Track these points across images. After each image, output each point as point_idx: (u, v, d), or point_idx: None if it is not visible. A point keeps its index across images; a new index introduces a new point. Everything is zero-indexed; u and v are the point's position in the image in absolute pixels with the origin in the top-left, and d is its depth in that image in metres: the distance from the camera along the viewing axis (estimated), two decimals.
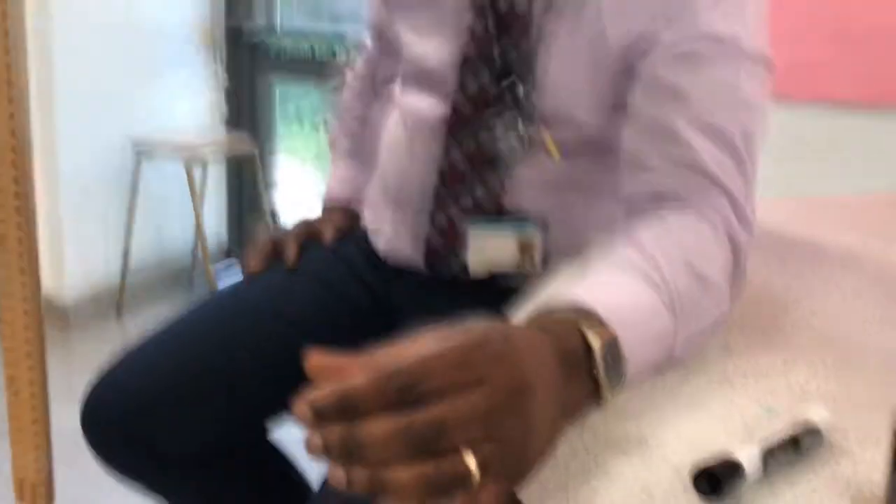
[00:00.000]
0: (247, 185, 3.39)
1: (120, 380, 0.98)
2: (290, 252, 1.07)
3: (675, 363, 0.65)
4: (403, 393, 0.41)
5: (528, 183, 0.94)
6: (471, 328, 0.45)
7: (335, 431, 0.40)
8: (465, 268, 0.96)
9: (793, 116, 2.19)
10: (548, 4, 0.88)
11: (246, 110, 3.36)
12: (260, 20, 3.26)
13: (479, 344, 0.44)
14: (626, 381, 0.57)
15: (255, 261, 1.08)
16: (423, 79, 1.00)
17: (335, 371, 0.44)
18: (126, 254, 2.92)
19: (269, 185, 3.28)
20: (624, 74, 0.86)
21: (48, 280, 2.81)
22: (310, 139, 3.79)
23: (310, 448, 0.41)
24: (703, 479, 0.47)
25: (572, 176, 0.94)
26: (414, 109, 1.00)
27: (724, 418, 0.49)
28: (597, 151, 0.92)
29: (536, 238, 0.95)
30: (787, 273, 0.91)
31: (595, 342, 0.54)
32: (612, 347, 0.55)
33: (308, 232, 1.11)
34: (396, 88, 1.07)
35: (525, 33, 0.90)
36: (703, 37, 0.80)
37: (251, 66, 3.33)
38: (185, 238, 3.28)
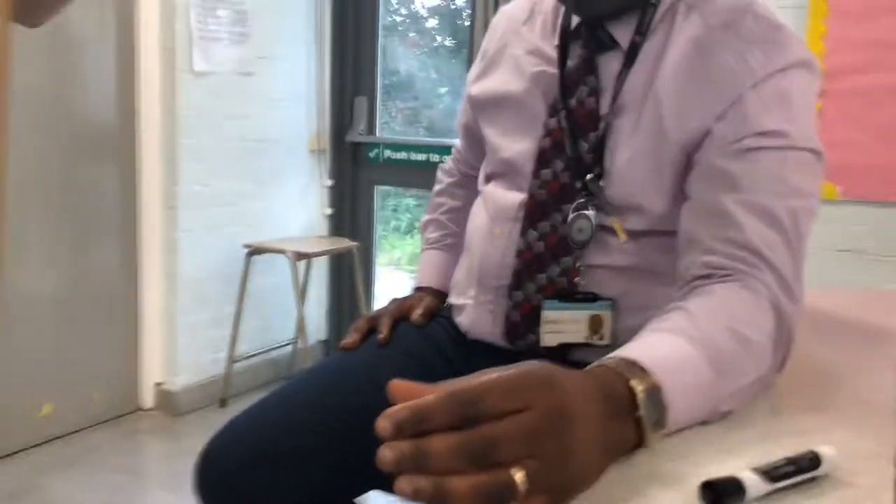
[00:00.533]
0: (346, 282, 3.57)
1: (228, 442, 1.09)
2: (384, 328, 1.17)
3: (719, 416, 0.71)
4: (464, 410, 0.50)
5: (598, 265, 1.02)
6: (525, 364, 0.55)
7: (406, 446, 0.49)
8: (538, 340, 1.04)
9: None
10: (613, 103, 0.99)
11: (348, 212, 3.57)
12: (362, 130, 3.51)
13: (528, 374, 0.53)
14: (669, 427, 0.64)
15: (352, 337, 1.20)
16: (504, 170, 1.12)
17: (413, 393, 0.53)
18: (233, 346, 3.10)
19: (367, 282, 3.45)
20: (683, 165, 0.95)
21: (161, 370, 3.02)
22: (406, 241, 3.98)
23: (383, 461, 0.49)
24: (707, 493, 0.54)
25: (638, 260, 1.01)
26: (496, 197, 1.11)
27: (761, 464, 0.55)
28: (661, 237, 1.00)
29: (606, 315, 1.03)
30: (842, 351, 0.96)
31: (638, 387, 0.61)
32: (655, 393, 0.62)
33: (400, 310, 1.22)
34: (481, 180, 1.19)
35: (594, 128, 1.01)
36: (753, 133, 0.88)
37: (354, 171, 3.56)
38: (287, 331, 3.46)
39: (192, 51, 2.89)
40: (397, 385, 0.54)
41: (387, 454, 0.49)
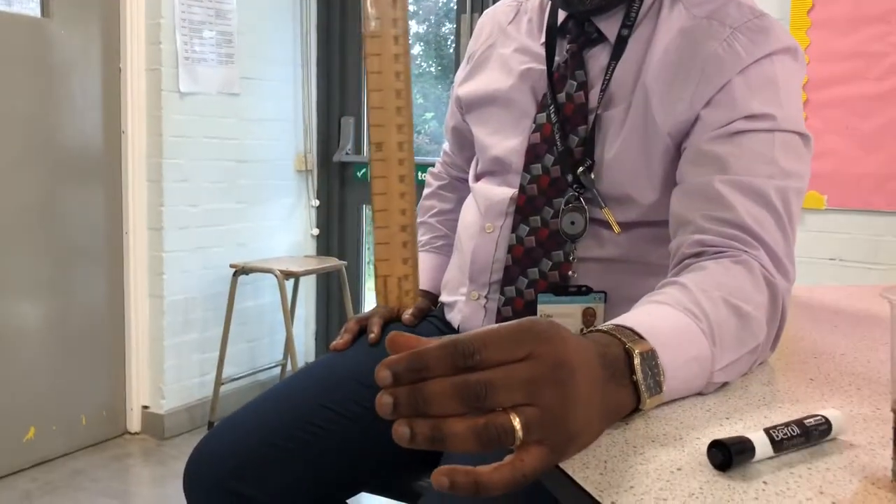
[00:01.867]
0: (335, 302, 3.56)
1: (216, 444, 1.08)
2: (375, 329, 1.17)
3: (714, 388, 0.71)
4: (462, 358, 0.49)
5: (590, 258, 1.02)
6: (525, 318, 0.54)
7: (403, 390, 0.49)
8: None
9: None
10: (602, 96, 1.00)
11: (335, 232, 3.57)
12: (349, 149, 3.52)
13: (529, 326, 0.52)
14: (664, 396, 0.64)
15: (343, 338, 1.19)
16: (495, 168, 1.12)
17: (412, 345, 0.52)
18: (220, 368, 3.07)
19: (356, 303, 3.43)
20: (673, 154, 0.96)
21: (148, 393, 2.98)
22: None
23: (380, 407, 0.49)
24: (716, 452, 0.53)
25: (630, 251, 1.01)
26: (486, 193, 1.11)
27: (758, 429, 0.55)
28: (652, 228, 1.00)
29: (599, 308, 1.03)
30: (836, 334, 0.96)
31: (634, 350, 0.61)
32: (651, 358, 0.62)
33: (390, 311, 1.21)
34: (471, 179, 1.19)
35: (583, 122, 1.02)
36: (741, 116, 0.89)
37: (341, 191, 3.57)
38: (274, 353, 3.43)
39: (179, 71, 2.90)
40: (396, 337, 0.53)
41: (384, 399, 0.48)
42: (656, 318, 0.69)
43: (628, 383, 0.60)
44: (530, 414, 0.49)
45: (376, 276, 0.53)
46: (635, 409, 0.62)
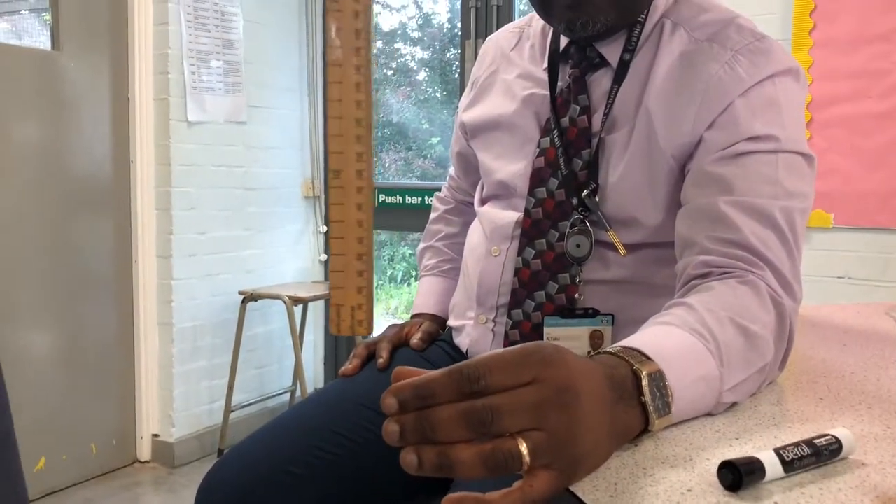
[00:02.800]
0: None
1: (227, 471, 1.08)
2: (383, 354, 1.17)
3: (723, 408, 0.71)
4: (468, 384, 0.49)
5: (596, 280, 1.03)
6: (530, 342, 0.54)
7: (410, 417, 0.49)
8: None
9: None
10: (605, 119, 1.01)
11: None
12: None
13: (534, 350, 0.52)
14: (673, 416, 0.64)
15: (352, 363, 1.19)
16: (500, 192, 1.13)
17: (416, 374, 0.53)
18: (229, 395, 3.07)
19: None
20: (677, 176, 0.97)
21: (157, 421, 2.98)
22: (402, 290, 3.98)
23: (387, 435, 0.49)
24: (726, 473, 0.53)
25: (636, 273, 1.02)
26: (492, 216, 1.12)
27: (769, 449, 0.54)
28: (657, 249, 1.00)
29: (606, 330, 1.03)
30: (846, 353, 0.96)
31: (642, 371, 0.61)
32: (659, 379, 0.62)
33: (398, 336, 1.21)
34: (477, 202, 1.20)
35: (587, 146, 1.03)
36: (743, 138, 0.90)
37: None
38: (283, 379, 3.43)
39: (187, 101, 2.93)
40: (402, 371, 0.54)
41: (391, 427, 0.49)
42: (663, 338, 0.69)
43: (636, 405, 0.60)
44: (537, 438, 0.49)
45: (331, 305, 0.54)
46: (644, 431, 0.62)
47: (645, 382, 0.60)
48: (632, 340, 0.67)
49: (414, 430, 0.48)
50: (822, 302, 2.29)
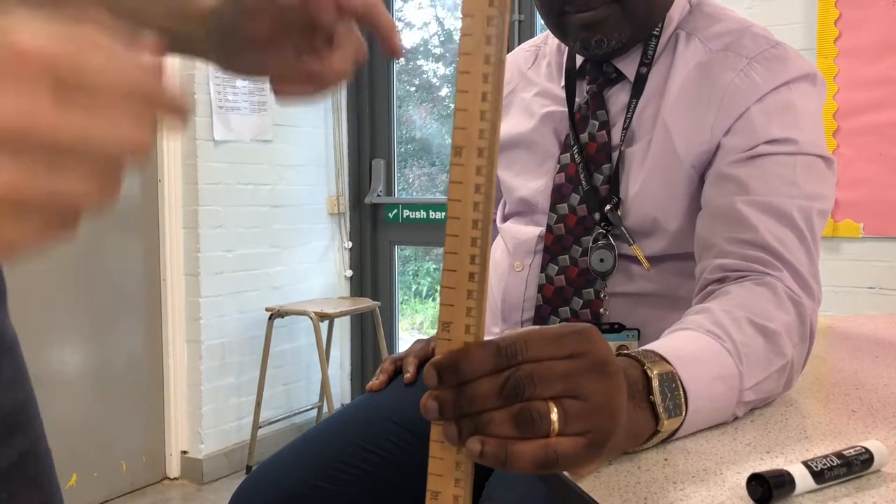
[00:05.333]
0: (369, 343, 3.57)
1: (256, 488, 1.09)
2: (410, 369, 1.17)
3: (744, 409, 0.70)
4: (506, 359, 0.50)
5: (621, 293, 1.03)
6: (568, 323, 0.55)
7: (448, 393, 0.50)
8: None
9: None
10: (624, 133, 1.01)
11: (368, 273, 3.59)
12: (381, 191, 3.56)
13: (573, 327, 0.53)
14: (692, 414, 0.63)
15: (379, 378, 1.20)
16: (521, 209, 1.13)
17: None
18: (257, 412, 3.09)
19: (391, 344, 3.44)
20: (696, 184, 0.97)
21: (186, 438, 3.00)
22: (427, 304, 3.98)
23: (426, 411, 0.50)
24: (755, 486, 0.52)
25: (660, 286, 1.01)
26: (514, 232, 1.12)
27: (799, 462, 0.54)
28: (680, 261, 1.00)
29: (632, 345, 1.02)
30: (878, 365, 0.95)
31: (652, 371, 0.61)
32: (670, 380, 0.62)
33: (425, 350, 1.22)
34: (498, 220, 1.20)
35: (607, 160, 1.03)
36: (761, 142, 0.90)
37: (373, 233, 3.60)
38: (310, 395, 3.44)
39: (213, 120, 2.97)
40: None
41: (430, 403, 0.50)
42: (678, 341, 0.69)
43: (646, 405, 0.60)
44: (570, 405, 0.50)
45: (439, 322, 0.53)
46: (654, 433, 0.61)
47: (655, 383, 0.60)
48: (649, 346, 0.67)
49: (453, 406, 0.49)
50: (851, 313, 2.26)
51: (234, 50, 0.61)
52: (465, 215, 0.49)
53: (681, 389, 0.62)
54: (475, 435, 0.49)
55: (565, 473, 0.58)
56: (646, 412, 0.60)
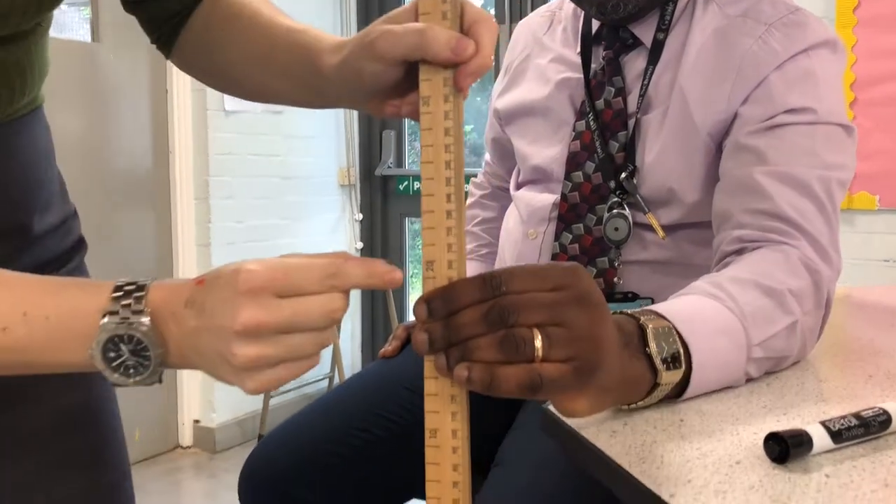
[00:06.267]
0: (380, 314, 3.58)
1: (270, 452, 1.10)
2: None
3: (755, 367, 0.69)
4: (491, 290, 0.51)
5: (635, 261, 1.02)
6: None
7: (437, 325, 0.51)
8: None
9: None
10: (641, 100, 1.00)
11: (379, 245, 3.59)
12: (391, 163, 3.55)
13: (557, 264, 0.54)
14: (697, 368, 0.63)
15: (392, 345, 1.20)
16: (536, 177, 1.12)
17: None
18: None
19: (401, 314, 3.45)
20: (713, 153, 0.95)
21: (199, 408, 3.03)
22: None
23: (416, 344, 0.52)
24: (773, 445, 0.52)
25: (674, 254, 1.01)
26: (528, 200, 1.11)
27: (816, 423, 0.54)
28: (695, 229, 0.99)
29: None
30: (890, 332, 0.94)
31: (648, 325, 0.61)
32: (667, 334, 0.61)
33: None
34: (513, 188, 1.19)
35: (623, 128, 1.02)
36: (780, 111, 0.88)
37: (384, 205, 3.59)
38: (321, 366, 3.46)
39: None
40: None
41: (420, 336, 0.51)
42: (678, 302, 0.69)
43: (642, 356, 0.60)
44: (553, 331, 0.51)
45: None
46: (655, 386, 0.61)
47: (650, 335, 0.60)
48: (648, 306, 0.67)
49: (441, 336, 0.51)
50: (865, 286, 2.25)
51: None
52: (438, 159, 0.53)
53: (679, 343, 0.62)
54: (461, 361, 0.50)
55: (580, 432, 0.58)
56: (642, 362, 0.60)
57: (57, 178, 0.75)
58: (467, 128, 3.92)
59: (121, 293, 0.50)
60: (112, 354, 0.49)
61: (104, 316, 0.49)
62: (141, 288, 0.50)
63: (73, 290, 0.51)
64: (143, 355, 0.50)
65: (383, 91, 0.60)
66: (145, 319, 0.49)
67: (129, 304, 0.49)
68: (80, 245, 0.78)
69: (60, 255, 0.74)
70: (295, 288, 0.48)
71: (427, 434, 0.53)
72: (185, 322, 0.49)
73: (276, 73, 0.70)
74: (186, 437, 3.06)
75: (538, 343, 0.50)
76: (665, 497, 0.47)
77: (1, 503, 0.65)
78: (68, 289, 0.52)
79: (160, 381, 0.52)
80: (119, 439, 0.79)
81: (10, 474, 0.66)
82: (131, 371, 0.50)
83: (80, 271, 0.77)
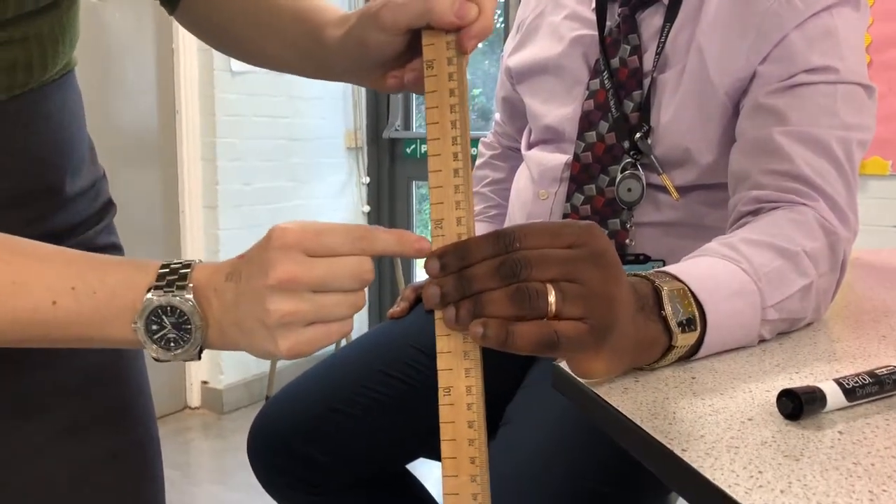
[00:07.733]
0: (387, 277, 3.58)
1: (280, 408, 1.10)
2: None
3: (773, 327, 0.69)
4: (504, 246, 0.50)
5: (646, 223, 1.01)
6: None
7: (449, 279, 0.51)
8: None
9: None
10: (657, 59, 0.98)
11: (386, 208, 3.59)
12: (399, 125, 3.53)
13: (572, 221, 0.53)
14: (712, 329, 0.62)
15: (400, 305, 1.20)
16: (548, 136, 1.11)
17: None
18: None
19: (408, 278, 3.45)
20: (731, 113, 0.94)
21: (207, 369, 3.05)
22: None
23: (427, 298, 0.51)
24: (786, 401, 0.52)
25: (687, 215, 1.00)
26: (540, 159, 1.10)
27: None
28: (709, 191, 0.98)
29: None
30: None
31: (663, 288, 0.60)
32: (682, 297, 0.61)
33: None
34: (524, 147, 1.18)
35: (638, 87, 1.00)
36: (800, 70, 0.87)
37: (391, 168, 3.58)
38: None
39: None
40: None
41: (431, 290, 0.51)
42: (691, 264, 0.68)
43: (657, 319, 0.60)
44: (567, 287, 0.50)
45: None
46: (670, 348, 0.61)
47: (666, 298, 0.60)
48: (662, 268, 0.66)
49: (454, 289, 0.50)
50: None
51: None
52: (444, 119, 0.54)
53: (694, 306, 0.61)
54: (475, 317, 0.50)
55: (593, 389, 0.58)
56: (657, 325, 0.59)
57: (87, 140, 0.76)
58: (475, 91, 3.88)
59: (167, 269, 0.52)
60: (155, 327, 0.51)
61: (149, 290, 0.51)
62: (187, 265, 0.52)
63: (122, 266, 0.53)
64: (184, 328, 0.51)
65: (387, 62, 0.60)
66: (189, 295, 0.50)
67: (174, 280, 0.51)
68: (109, 206, 0.82)
69: (91, 216, 0.76)
70: (326, 248, 0.49)
71: (441, 393, 0.52)
72: (225, 295, 0.51)
73: (281, 43, 0.70)
74: (195, 398, 3.09)
75: (552, 298, 0.49)
76: (677, 451, 0.47)
77: (33, 459, 0.66)
78: (116, 265, 0.53)
79: (199, 357, 0.53)
80: (146, 395, 0.81)
81: (48, 426, 0.66)
82: (172, 345, 0.51)
83: (109, 232, 0.80)
